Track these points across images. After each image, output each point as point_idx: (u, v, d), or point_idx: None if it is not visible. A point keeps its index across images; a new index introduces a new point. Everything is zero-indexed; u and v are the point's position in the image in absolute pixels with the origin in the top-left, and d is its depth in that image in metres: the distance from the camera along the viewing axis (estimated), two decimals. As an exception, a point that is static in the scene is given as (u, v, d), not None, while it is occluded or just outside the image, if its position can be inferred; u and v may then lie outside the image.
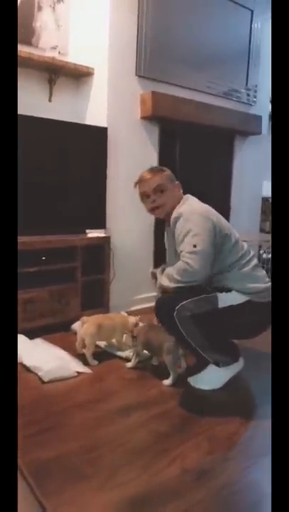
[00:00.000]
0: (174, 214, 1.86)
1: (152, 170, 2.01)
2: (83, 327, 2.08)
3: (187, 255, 1.72)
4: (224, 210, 3.64)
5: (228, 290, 1.78)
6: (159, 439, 1.44)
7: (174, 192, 1.93)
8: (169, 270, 1.81)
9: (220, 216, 1.91)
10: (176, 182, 1.99)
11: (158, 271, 2.00)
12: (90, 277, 2.69)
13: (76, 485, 1.20)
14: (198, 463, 1.31)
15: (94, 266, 2.71)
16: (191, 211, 1.83)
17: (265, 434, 1.48)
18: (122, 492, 1.18)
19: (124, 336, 2.17)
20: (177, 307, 1.74)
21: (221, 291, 1.78)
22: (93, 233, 2.75)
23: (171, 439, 1.44)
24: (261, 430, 1.52)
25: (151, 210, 1.97)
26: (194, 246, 1.75)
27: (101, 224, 2.82)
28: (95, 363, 2.05)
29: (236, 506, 1.16)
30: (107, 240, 2.78)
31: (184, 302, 1.75)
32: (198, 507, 1.14)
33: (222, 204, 3.65)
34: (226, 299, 1.76)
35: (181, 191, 1.99)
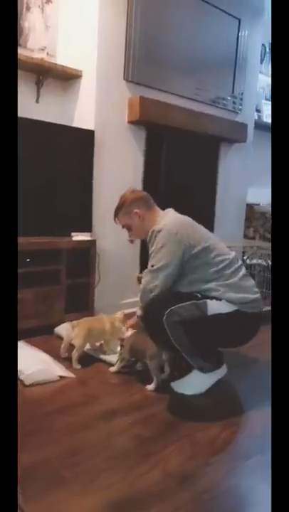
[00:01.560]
0: (149, 233, 1.96)
1: (118, 203, 2.09)
2: (74, 331, 2.09)
3: (145, 275, 1.90)
4: (208, 217, 3.67)
5: (218, 298, 1.80)
6: (142, 443, 1.45)
7: (146, 219, 2.02)
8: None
9: (196, 229, 1.97)
10: (151, 205, 2.07)
11: (143, 275, 2.03)
12: (75, 280, 2.69)
13: (56, 490, 1.20)
14: (180, 467, 1.32)
15: (79, 269, 2.71)
16: (160, 229, 1.91)
17: (246, 439, 1.50)
18: (103, 496, 1.18)
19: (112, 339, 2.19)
20: (167, 312, 1.76)
21: (211, 299, 1.80)
22: (79, 236, 2.75)
23: (154, 443, 1.45)
24: (242, 434, 1.54)
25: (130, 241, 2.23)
26: (152, 266, 1.89)
27: (87, 227, 2.82)
28: (78, 367, 2.05)
29: (217, 510, 1.17)
30: (92, 243, 2.78)
31: (174, 307, 1.77)
32: (181, 511, 1.14)
33: (207, 210, 3.68)
34: (216, 307, 1.78)
35: (158, 211, 2.07)
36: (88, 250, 2.77)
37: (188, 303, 1.79)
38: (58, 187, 2.68)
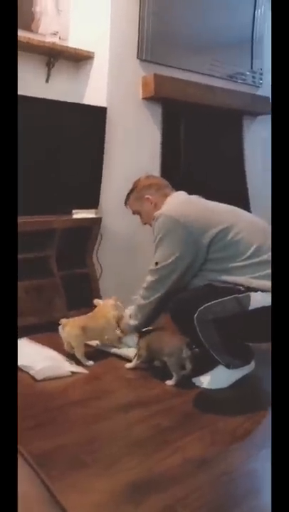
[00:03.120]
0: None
1: (130, 189, 2.29)
2: (64, 330, 2.22)
3: (150, 272, 2.05)
4: (242, 197, 3.86)
5: (262, 290, 1.84)
6: (161, 432, 1.66)
7: (158, 206, 2.16)
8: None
9: (208, 208, 2.06)
10: (167, 192, 2.22)
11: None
12: (72, 270, 2.72)
13: (77, 472, 1.41)
14: (199, 453, 1.52)
15: (76, 256, 2.73)
16: (158, 215, 2.04)
17: (267, 429, 1.71)
18: (123, 478, 1.39)
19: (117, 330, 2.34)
20: (200, 309, 1.85)
21: (256, 291, 1.85)
22: (81, 213, 2.81)
23: (174, 432, 1.66)
24: (264, 424, 1.75)
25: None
26: (156, 263, 2.02)
27: (93, 203, 2.93)
28: (90, 363, 2.21)
29: (235, 492, 1.38)
30: (96, 221, 2.78)
31: (209, 304, 1.84)
32: (198, 492, 1.35)
33: (238, 189, 3.87)
34: (260, 300, 1.82)
35: (171, 193, 2.21)
36: (90, 230, 2.76)
37: (228, 298, 1.84)
38: (64, 163, 2.85)
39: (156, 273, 2.04)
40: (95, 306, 2.40)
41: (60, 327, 2.25)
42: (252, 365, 2.07)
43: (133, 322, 2.22)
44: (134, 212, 2.33)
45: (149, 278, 2.09)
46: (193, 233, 1.95)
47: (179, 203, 2.12)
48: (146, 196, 2.22)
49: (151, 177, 2.36)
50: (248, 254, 1.94)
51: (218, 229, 1.96)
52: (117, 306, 2.34)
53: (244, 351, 2.05)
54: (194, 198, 2.17)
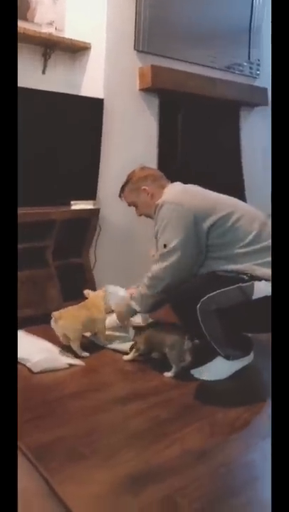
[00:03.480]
0: (153, 209, 2.11)
1: (125, 181, 2.28)
2: (58, 324, 2.19)
3: (158, 258, 1.99)
4: (237, 188, 3.86)
5: (266, 279, 1.83)
6: (160, 424, 1.66)
7: (155, 197, 2.16)
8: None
9: (207, 196, 2.07)
10: (163, 184, 2.22)
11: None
12: (68, 260, 2.71)
13: (76, 464, 1.41)
14: (198, 444, 1.53)
15: (73, 246, 2.72)
16: (162, 202, 2.04)
17: (266, 420, 1.72)
18: (122, 469, 1.39)
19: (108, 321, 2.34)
20: (203, 299, 1.83)
21: (260, 280, 1.84)
22: (79, 205, 2.83)
23: (172, 424, 1.66)
24: (263, 415, 1.75)
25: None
26: (164, 246, 1.98)
27: (91, 194, 2.95)
28: (86, 354, 2.21)
29: (233, 483, 1.38)
30: (95, 212, 2.79)
31: (212, 294, 1.83)
32: (197, 483, 1.35)
33: (234, 180, 3.88)
34: (263, 289, 1.81)
35: (167, 184, 2.21)
36: (88, 222, 2.77)
37: (232, 287, 1.83)
38: (61, 154, 2.85)
39: (164, 258, 1.99)
40: (86, 298, 2.37)
41: (52, 320, 2.23)
42: (251, 356, 2.08)
43: (136, 307, 2.17)
44: (129, 204, 2.33)
45: (157, 266, 2.03)
46: (196, 217, 1.96)
47: (179, 191, 2.13)
48: (143, 187, 2.22)
49: (146, 168, 2.36)
50: (248, 240, 1.95)
51: (218, 216, 1.97)
52: (107, 297, 2.34)
53: (244, 342, 2.06)
54: (192, 186, 2.18)
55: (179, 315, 2.02)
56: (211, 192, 2.14)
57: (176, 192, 2.11)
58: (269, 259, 1.87)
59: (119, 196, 2.31)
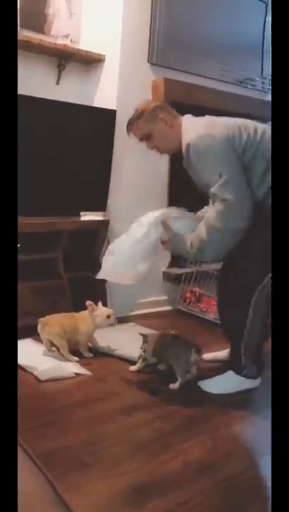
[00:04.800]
0: (183, 147, 1.95)
1: (136, 113, 2.10)
2: (45, 329, 2.25)
3: (219, 189, 1.74)
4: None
5: None
6: (163, 436, 1.67)
7: (174, 127, 2.04)
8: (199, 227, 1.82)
9: (225, 121, 1.98)
10: (177, 115, 2.10)
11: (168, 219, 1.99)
12: (78, 273, 2.70)
13: (80, 472, 1.43)
14: (201, 458, 1.54)
15: (83, 258, 2.71)
16: (194, 139, 1.89)
17: (269, 435, 1.72)
18: (124, 480, 1.41)
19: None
20: (260, 286, 1.80)
21: None
22: (89, 216, 2.81)
23: (175, 436, 1.67)
24: (266, 431, 1.76)
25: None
26: (220, 175, 1.78)
27: (100, 205, 2.94)
28: (76, 358, 2.26)
29: (236, 497, 1.39)
30: (104, 224, 2.77)
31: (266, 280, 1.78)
32: (199, 497, 1.37)
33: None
34: None
35: (178, 116, 2.11)
36: (97, 233, 2.75)
37: None
38: (71, 164, 2.86)
39: (222, 192, 1.77)
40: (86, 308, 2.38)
41: (39, 326, 2.26)
42: (258, 381, 2.09)
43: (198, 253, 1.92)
44: (141, 138, 2.13)
45: (220, 206, 1.79)
46: (232, 143, 1.87)
47: (203, 124, 1.99)
48: (161, 116, 2.06)
49: (154, 101, 2.25)
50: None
51: (246, 133, 1.90)
52: (109, 315, 2.35)
53: (260, 362, 2.06)
54: (208, 117, 2.09)
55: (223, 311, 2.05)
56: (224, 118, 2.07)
57: (200, 125, 1.98)
58: None
59: (128, 131, 2.15)
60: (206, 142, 1.88)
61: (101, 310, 2.37)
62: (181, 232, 1.96)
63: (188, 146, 1.92)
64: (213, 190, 1.82)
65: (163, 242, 2.04)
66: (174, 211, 2.10)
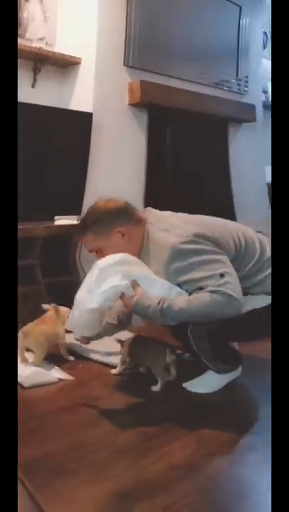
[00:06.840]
0: (167, 252, 1.76)
1: (85, 218, 1.87)
2: (28, 339, 2.17)
3: (221, 289, 1.70)
4: (226, 204, 3.93)
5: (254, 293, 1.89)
6: (147, 439, 1.67)
7: (135, 237, 1.85)
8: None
9: (214, 222, 2.00)
10: (135, 212, 1.90)
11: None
12: (56, 278, 2.68)
13: (64, 479, 1.42)
14: (185, 459, 1.54)
15: (58, 263, 2.69)
16: (178, 243, 1.74)
17: (253, 433, 1.75)
18: (110, 485, 1.40)
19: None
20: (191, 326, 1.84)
21: (245, 295, 1.83)
22: (63, 220, 2.77)
23: (159, 439, 1.67)
24: (250, 429, 1.79)
25: None
26: (221, 275, 1.69)
27: (76, 210, 2.89)
28: (71, 358, 2.30)
29: (221, 497, 1.40)
30: None
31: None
32: (185, 499, 1.37)
33: (223, 196, 3.94)
34: (251, 302, 1.87)
35: (143, 216, 1.94)
36: (70, 238, 2.71)
37: None
38: (48, 169, 2.85)
39: (226, 283, 1.73)
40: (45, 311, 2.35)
41: (19, 335, 2.15)
42: (239, 371, 2.11)
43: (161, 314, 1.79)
44: (91, 251, 1.88)
45: (229, 278, 1.74)
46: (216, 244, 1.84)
47: (183, 222, 1.84)
48: (117, 229, 1.82)
49: (114, 200, 1.90)
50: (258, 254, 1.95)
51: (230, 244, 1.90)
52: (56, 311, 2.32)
53: (233, 356, 2.09)
54: (184, 215, 1.98)
55: (172, 329, 2.05)
56: (205, 217, 2.02)
57: (182, 224, 1.82)
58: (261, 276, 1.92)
59: (77, 239, 1.96)
60: (192, 244, 1.74)
61: (64, 310, 2.34)
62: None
63: (171, 248, 1.74)
64: (210, 288, 1.75)
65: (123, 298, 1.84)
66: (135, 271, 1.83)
